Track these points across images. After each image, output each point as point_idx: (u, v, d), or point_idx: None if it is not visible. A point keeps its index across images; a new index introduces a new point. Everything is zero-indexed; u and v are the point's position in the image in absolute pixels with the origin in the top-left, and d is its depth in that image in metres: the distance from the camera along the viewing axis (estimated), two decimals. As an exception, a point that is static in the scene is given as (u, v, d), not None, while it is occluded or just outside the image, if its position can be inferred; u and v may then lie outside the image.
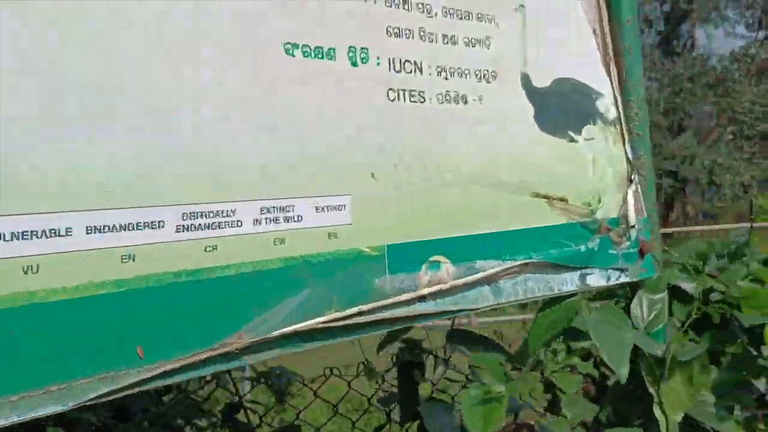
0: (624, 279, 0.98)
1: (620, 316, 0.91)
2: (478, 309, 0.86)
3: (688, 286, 1.55)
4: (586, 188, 0.97)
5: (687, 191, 14.64)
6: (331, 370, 1.38)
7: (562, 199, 0.94)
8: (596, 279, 0.96)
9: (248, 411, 1.32)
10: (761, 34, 17.08)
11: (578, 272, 0.94)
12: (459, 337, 0.98)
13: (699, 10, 14.46)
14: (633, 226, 0.98)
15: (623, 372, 0.84)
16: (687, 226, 14.34)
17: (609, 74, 1.03)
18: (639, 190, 1.02)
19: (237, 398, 1.32)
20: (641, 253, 0.99)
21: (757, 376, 1.39)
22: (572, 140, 0.97)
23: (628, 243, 0.98)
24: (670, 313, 1.54)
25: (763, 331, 1.36)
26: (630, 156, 1.02)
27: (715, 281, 1.55)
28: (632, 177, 1.01)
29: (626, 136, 1.03)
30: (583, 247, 0.94)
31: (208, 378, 1.31)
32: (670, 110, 12.70)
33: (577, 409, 1.42)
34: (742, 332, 1.41)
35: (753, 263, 1.65)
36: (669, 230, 12.38)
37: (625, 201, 1.00)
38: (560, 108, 0.97)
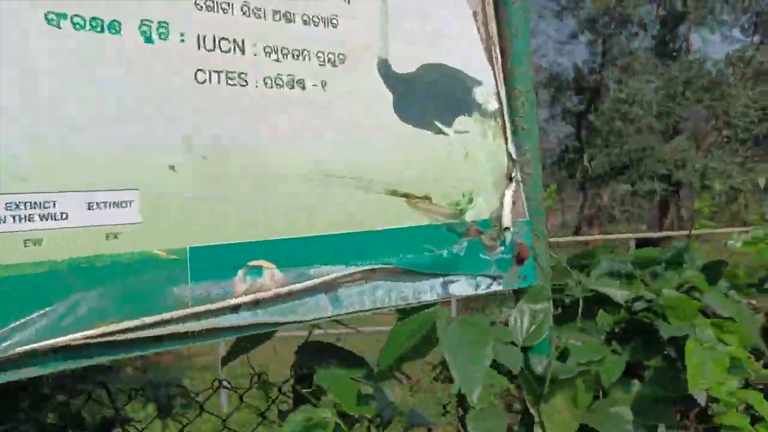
0: (497, 287, 0.88)
1: (483, 330, 0.80)
2: (313, 320, 0.76)
3: (617, 294, 1.45)
4: (454, 186, 0.87)
5: (681, 195, 14.53)
6: (219, 381, 1.28)
7: (425, 198, 0.84)
8: (462, 287, 0.85)
9: (125, 426, 1.22)
10: (757, 38, 16.98)
11: (440, 279, 0.84)
12: (311, 351, 0.88)
13: (694, 13, 14.36)
14: (507, 229, 0.88)
15: (474, 395, 0.74)
16: (682, 230, 14.21)
17: (491, 61, 0.93)
18: (521, 189, 0.92)
19: (114, 411, 1.22)
20: (519, 259, 0.89)
21: (682, 392, 1.29)
22: (441, 133, 0.87)
23: (501, 248, 0.88)
24: (595, 322, 1.44)
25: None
26: (512, 152, 0.92)
27: (645, 289, 1.45)
28: (513, 175, 0.91)
29: (509, 130, 0.93)
30: (446, 252, 0.84)
31: (85, 387, 1.21)
32: (664, 113, 12.58)
33: (486, 424, 1.31)
34: (667, 344, 1.31)
35: (688, 270, 1.54)
36: (662, 234, 12.25)
37: (501, 201, 0.90)
38: (427, 97, 0.87)
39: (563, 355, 1.34)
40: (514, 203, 0.90)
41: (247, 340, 0.85)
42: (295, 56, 0.77)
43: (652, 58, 12.75)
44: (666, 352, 1.31)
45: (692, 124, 17.46)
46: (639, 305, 1.39)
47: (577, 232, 13.29)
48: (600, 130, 11.42)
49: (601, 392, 1.30)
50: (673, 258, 1.64)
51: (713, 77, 14.09)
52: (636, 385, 1.31)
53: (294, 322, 0.75)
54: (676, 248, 1.64)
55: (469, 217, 0.87)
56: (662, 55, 15.21)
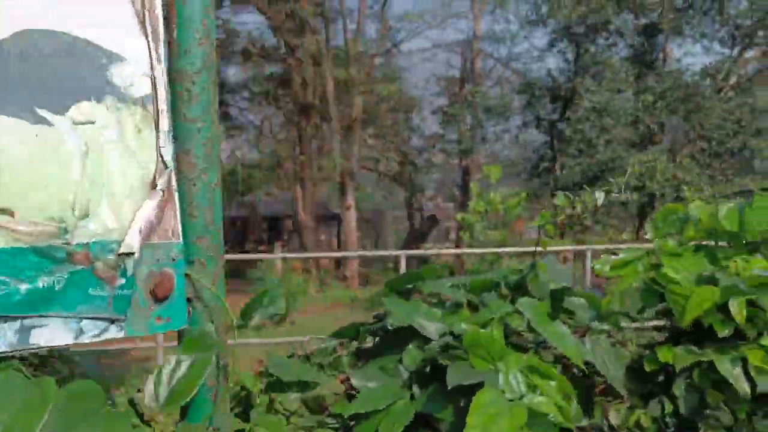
0: (116, 333, 0.65)
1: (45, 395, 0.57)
2: None
3: (429, 327, 1.23)
4: (59, 196, 0.64)
5: (655, 206, 14.43)
6: None
7: (3, 211, 0.61)
8: (53, 335, 0.62)
9: None
10: (736, 51, 16.96)
11: (16, 324, 0.61)
12: None
13: (670, 23, 14.26)
14: (130, 254, 0.65)
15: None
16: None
17: (145, 30, 0.70)
18: (174, 201, 0.69)
19: None
20: (157, 296, 0.66)
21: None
22: (44, 122, 0.64)
23: (122, 280, 0.65)
24: (401, 361, 1.22)
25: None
26: (164, 151, 0.69)
27: (454, 322, 1.23)
28: (161, 182, 0.68)
29: (165, 122, 0.70)
30: (27, 286, 0.61)
31: None
32: (638, 123, 12.43)
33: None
34: (461, 392, 1.09)
35: (524, 298, 1.32)
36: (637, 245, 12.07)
37: (134, 217, 0.66)
38: (25, 74, 0.64)
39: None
40: (159, 220, 0.67)
41: None
42: None
43: (626, 67, 12.60)
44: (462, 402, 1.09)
45: (671, 136, 17.41)
46: (442, 341, 1.16)
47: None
48: (572, 139, 11.22)
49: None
50: (518, 282, 1.42)
51: (688, 89, 14.03)
52: (428, 444, 1.08)
53: None
54: (519, 271, 1.42)
55: (78, 237, 0.64)
56: (640, 65, 15.13)
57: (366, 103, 18.44)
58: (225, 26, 17.14)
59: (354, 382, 1.14)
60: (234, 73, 19.52)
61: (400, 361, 1.18)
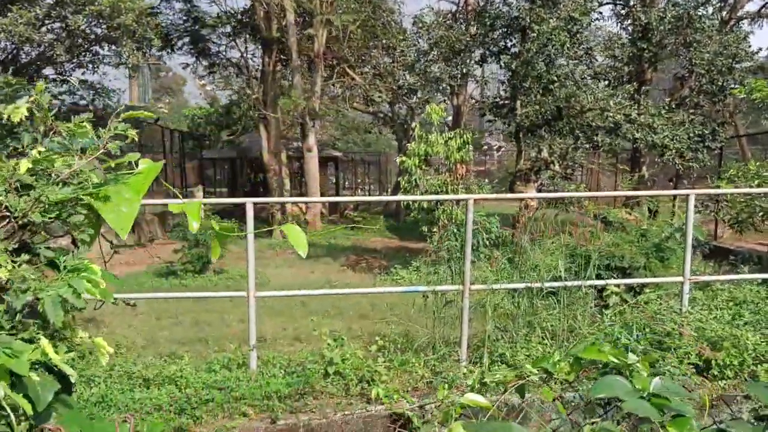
0: None
1: None
2: None
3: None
4: None
5: (642, 152, 13.25)
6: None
7: None
8: None
9: None
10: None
11: None
12: None
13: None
14: None
15: None
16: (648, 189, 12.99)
17: None
18: None
19: None
20: None
21: None
22: None
23: None
24: None
25: None
26: None
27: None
28: None
29: None
30: None
31: None
32: (609, 59, 11.16)
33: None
34: None
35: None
36: (620, 193, 11.05)
37: None
38: None
39: None
40: None
41: None
42: None
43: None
44: None
45: (668, 77, 15.96)
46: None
47: (512, 189, 12.16)
48: (526, 76, 9.99)
49: None
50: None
51: (680, 21, 12.55)
52: None
53: None
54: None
55: None
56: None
57: (353, 39, 17.39)
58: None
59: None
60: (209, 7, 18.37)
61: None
